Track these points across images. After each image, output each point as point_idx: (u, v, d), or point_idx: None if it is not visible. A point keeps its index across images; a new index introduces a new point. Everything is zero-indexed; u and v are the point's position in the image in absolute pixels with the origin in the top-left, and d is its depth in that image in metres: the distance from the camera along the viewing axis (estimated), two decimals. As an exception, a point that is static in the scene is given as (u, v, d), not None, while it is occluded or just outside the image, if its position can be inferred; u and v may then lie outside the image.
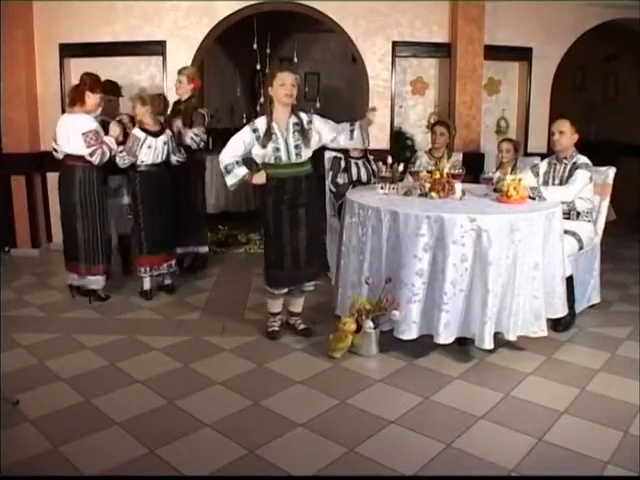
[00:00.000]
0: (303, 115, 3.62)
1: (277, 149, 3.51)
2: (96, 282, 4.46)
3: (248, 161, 3.61)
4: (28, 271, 5.27)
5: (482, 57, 5.93)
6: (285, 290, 3.71)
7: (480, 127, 6.08)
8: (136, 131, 4.42)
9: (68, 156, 4.32)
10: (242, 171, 3.55)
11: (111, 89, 4.88)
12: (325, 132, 3.63)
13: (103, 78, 5.01)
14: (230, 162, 3.53)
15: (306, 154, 3.60)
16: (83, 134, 4.19)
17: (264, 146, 3.49)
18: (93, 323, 4.06)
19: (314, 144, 3.62)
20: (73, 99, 4.30)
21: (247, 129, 3.56)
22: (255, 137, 3.51)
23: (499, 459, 2.50)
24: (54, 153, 4.49)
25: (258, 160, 3.59)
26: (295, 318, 3.89)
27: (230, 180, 3.58)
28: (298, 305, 3.88)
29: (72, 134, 4.22)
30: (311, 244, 3.70)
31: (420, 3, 5.98)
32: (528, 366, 3.38)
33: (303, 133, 3.55)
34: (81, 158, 4.26)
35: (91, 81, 4.32)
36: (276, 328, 3.82)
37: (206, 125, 5.06)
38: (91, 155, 4.24)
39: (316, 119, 3.65)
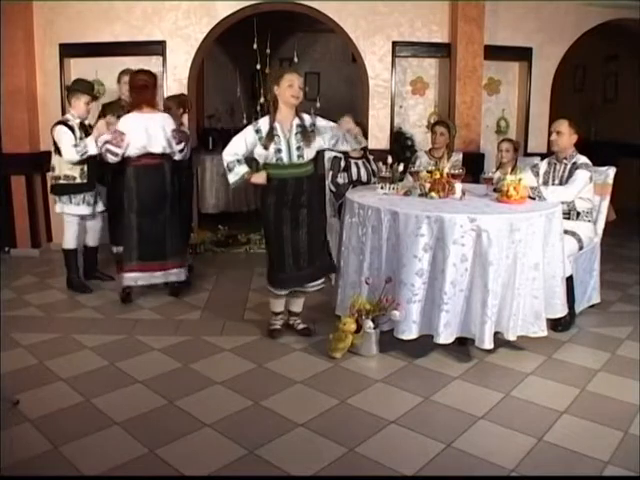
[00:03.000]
0: (306, 117, 3.62)
1: (279, 150, 3.50)
2: (182, 273, 4.52)
3: (249, 160, 3.61)
4: (28, 271, 5.26)
5: (482, 57, 5.93)
6: (287, 291, 3.71)
7: (480, 127, 6.08)
8: (187, 130, 4.75)
9: (149, 155, 4.26)
10: (242, 169, 3.55)
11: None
12: (327, 137, 3.65)
13: (102, 78, 5.04)
14: (231, 160, 3.54)
15: (308, 155, 3.59)
16: (173, 131, 4.35)
17: (266, 147, 3.49)
18: (93, 323, 4.05)
19: (316, 146, 3.62)
20: (148, 100, 4.28)
21: (250, 129, 3.55)
22: (258, 138, 3.51)
23: (499, 459, 2.50)
24: (110, 157, 4.21)
25: (260, 160, 3.59)
26: (294, 318, 3.89)
27: (232, 178, 3.59)
28: (298, 305, 3.88)
29: (162, 132, 4.30)
30: (313, 245, 3.68)
31: (420, 3, 5.98)
32: (528, 366, 3.39)
33: (305, 135, 3.55)
34: (163, 155, 4.33)
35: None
36: (278, 327, 3.82)
37: None
38: (181, 151, 4.43)
39: (319, 122, 3.64)
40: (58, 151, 4.52)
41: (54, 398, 2.99)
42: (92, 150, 4.38)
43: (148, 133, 4.24)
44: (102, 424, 2.75)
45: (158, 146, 4.28)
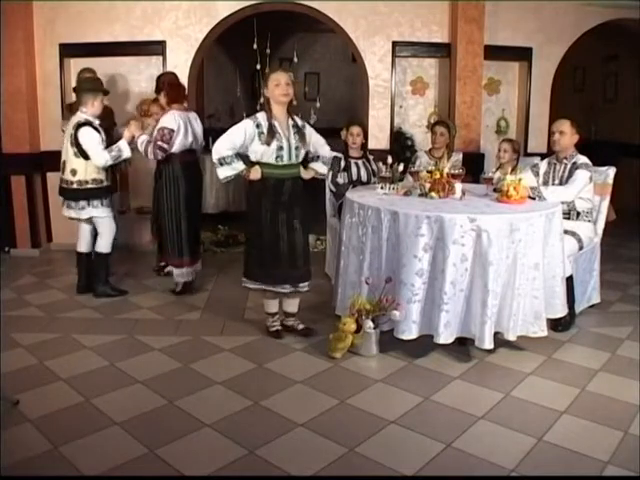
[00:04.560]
0: (297, 119, 3.66)
1: (281, 147, 3.50)
2: (198, 268, 4.77)
3: (242, 157, 3.59)
4: (28, 271, 5.26)
5: (482, 57, 5.93)
6: (287, 289, 3.70)
7: (480, 127, 6.08)
8: None
9: (189, 152, 4.48)
10: (240, 165, 3.52)
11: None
12: (311, 145, 3.70)
13: (102, 78, 5.01)
14: (228, 154, 3.48)
15: (301, 156, 3.63)
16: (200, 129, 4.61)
17: (267, 143, 3.46)
18: (93, 323, 4.05)
19: (306, 148, 3.66)
20: (186, 96, 4.58)
21: (249, 122, 3.50)
22: (258, 132, 3.47)
23: (499, 459, 2.50)
24: (160, 154, 4.27)
25: (255, 157, 3.54)
26: (292, 319, 3.88)
27: (225, 172, 3.52)
28: (294, 306, 3.86)
29: (199, 129, 4.59)
30: (306, 244, 3.72)
31: (420, 3, 5.98)
32: (528, 366, 3.38)
33: (302, 135, 3.58)
34: (196, 152, 4.64)
35: None
36: (279, 327, 3.82)
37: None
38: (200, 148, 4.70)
39: (308, 128, 3.70)
40: (82, 154, 4.33)
41: (54, 398, 2.99)
42: (126, 154, 4.38)
43: (192, 130, 4.46)
44: (102, 424, 2.75)
45: (199, 143, 4.57)
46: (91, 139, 4.31)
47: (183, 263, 4.55)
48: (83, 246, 4.63)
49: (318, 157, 3.76)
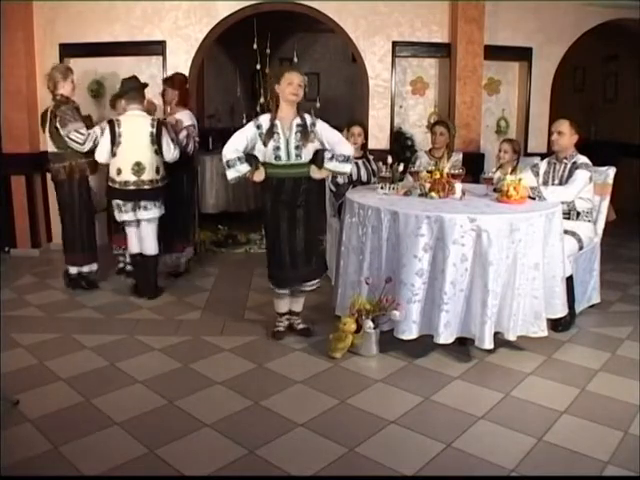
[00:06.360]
0: (307, 117, 3.61)
1: (277, 147, 3.51)
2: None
3: (251, 157, 3.59)
4: (28, 271, 5.27)
5: (482, 57, 5.93)
6: (287, 290, 3.72)
7: (480, 127, 6.08)
8: None
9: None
10: (244, 168, 3.52)
11: None
12: (325, 144, 3.62)
13: (102, 78, 5.05)
14: (232, 157, 3.51)
15: (307, 156, 3.57)
16: None
17: (265, 144, 3.50)
18: (93, 323, 4.05)
19: (313, 147, 3.58)
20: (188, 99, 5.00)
21: (251, 125, 3.57)
22: (258, 134, 3.52)
23: (499, 459, 2.50)
24: (196, 147, 4.91)
25: (261, 158, 3.57)
26: (295, 317, 3.89)
27: (231, 174, 3.55)
28: (298, 304, 3.88)
29: None
30: (309, 244, 3.69)
31: (420, 3, 5.98)
32: (528, 366, 3.39)
33: (305, 134, 3.55)
34: None
35: None
36: (281, 329, 3.82)
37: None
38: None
39: (320, 125, 3.60)
40: (160, 151, 4.38)
41: (54, 398, 2.99)
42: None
43: None
44: (102, 424, 2.75)
45: None
46: (170, 136, 4.52)
47: (190, 244, 5.16)
48: (138, 246, 4.51)
49: (333, 157, 3.58)
